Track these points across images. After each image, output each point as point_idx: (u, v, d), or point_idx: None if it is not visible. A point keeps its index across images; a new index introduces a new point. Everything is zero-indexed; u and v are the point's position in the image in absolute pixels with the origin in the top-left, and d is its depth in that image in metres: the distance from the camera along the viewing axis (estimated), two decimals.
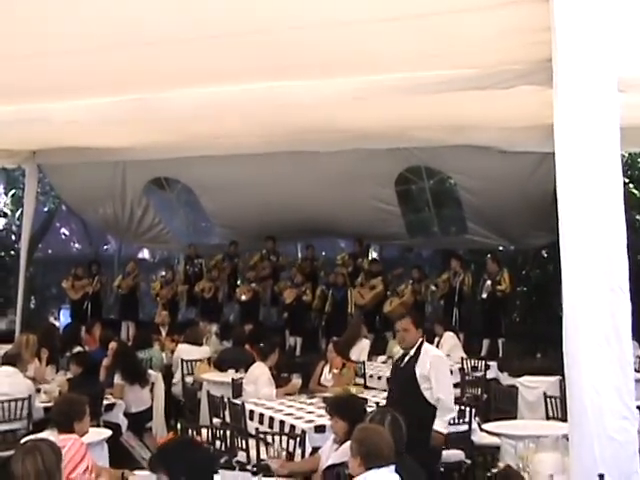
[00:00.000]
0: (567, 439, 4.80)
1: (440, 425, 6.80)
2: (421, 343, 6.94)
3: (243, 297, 16.66)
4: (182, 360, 11.61)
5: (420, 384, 6.74)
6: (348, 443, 5.37)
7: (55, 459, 4.28)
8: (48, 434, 5.70)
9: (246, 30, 6.21)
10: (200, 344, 12.28)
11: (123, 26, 6.18)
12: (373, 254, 19.11)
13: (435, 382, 6.79)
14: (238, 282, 18.07)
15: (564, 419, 5.89)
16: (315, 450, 7.06)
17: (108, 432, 7.45)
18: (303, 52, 6.84)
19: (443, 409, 6.81)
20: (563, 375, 4.65)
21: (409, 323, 6.85)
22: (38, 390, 9.21)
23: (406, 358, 6.86)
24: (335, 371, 9.65)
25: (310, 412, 8.09)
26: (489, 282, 14.25)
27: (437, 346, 12.86)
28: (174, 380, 11.71)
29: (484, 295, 14.30)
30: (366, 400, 8.08)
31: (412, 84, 7.50)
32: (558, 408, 8.49)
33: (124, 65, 7.24)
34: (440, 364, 6.99)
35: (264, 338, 10.96)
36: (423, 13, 5.84)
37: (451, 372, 11.15)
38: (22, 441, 5.09)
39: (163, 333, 13.87)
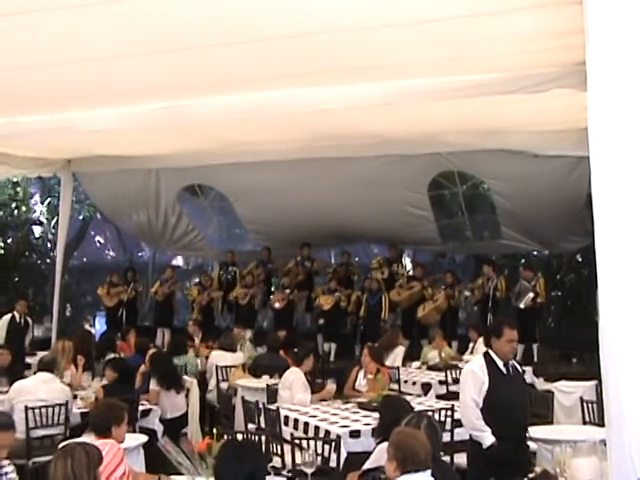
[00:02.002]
0: (604, 444, 4.76)
1: None
2: None
3: (277, 305, 16.69)
4: (217, 366, 11.65)
5: None
6: (381, 447, 5.37)
7: (87, 464, 4.28)
8: (85, 439, 5.73)
9: (277, 36, 6.24)
10: (234, 350, 12.31)
11: (156, 34, 6.23)
12: (406, 259, 19.08)
13: None
14: (272, 288, 18.13)
15: (601, 424, 5.85)
16: (350, 455, 7.06)
17: (144, 437, 7.50)
18: (333, 58, 6.86)
19: None
20: (599, 380, 4.61)
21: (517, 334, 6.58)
22: (75, 396, 9.28)
23: (509, 367, 6.54)
24: (370, 376, 9.63)
25: (345, 417, 8.08)
26: (531, 294, 14.06)
27: (472, 351, 12.85)
28: (209, 386, 11.76)
29: (522, 306, 14.10)
30: None
31: (443, 88, 7.48)
32: (595, 413, 8.42)
33: (157, 72, 7.31)
34: None
35: (298, 344, 10.98)
36: (454, 16, 5.84)
37: None
38: (60, 445, 5.14)
39: (196, 340, 13.92)
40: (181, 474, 5.07)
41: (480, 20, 5.88)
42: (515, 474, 5.81)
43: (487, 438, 6.29)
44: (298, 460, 6.82)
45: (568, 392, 9.77)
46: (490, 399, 6.32)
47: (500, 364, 6.44)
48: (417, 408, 7.83)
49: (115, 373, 9.22)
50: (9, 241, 21.08)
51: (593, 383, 9.27)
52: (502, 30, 6.11)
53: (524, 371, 6.86)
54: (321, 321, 16.49)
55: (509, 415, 6.36)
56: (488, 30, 6.12)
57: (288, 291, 16.74)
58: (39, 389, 8.78)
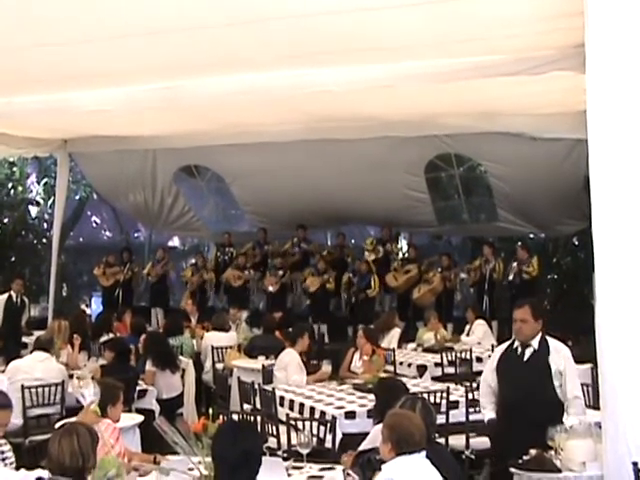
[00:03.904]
0: (599, 427, 4.78)
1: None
2: (543, 335, 6.39)
3: (270, 288, 16.65)
4: (212, 347, 11.67)
5: (554, 381, 6.31)
6: (377, 428, 5.38)
7: (91, 442, 4.32)
8: None
9: (277, 17, 6.22)
10: (227, 330, 12.32)
11: (152, 14, 6.20)
12: (403, 242, 19.07)
13: (570, 380, 6.37)
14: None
15: (596, 407, 5.86)
16: (345, 436, 7.08)
17: (140, 417, 7.51)
18: (335, 39, 6.83)
19: (579, 407, 6.36)
20: (595, 363, 4.63)
21: (527, 313, 6.26)
22: (71, 376, 9.28)
23: (528, 351, 6.33)
24: (365, 358, 9.64)
25: (340, 398, 8.10)
26: (515, 264, 14.15)
27: (467, 333, 12.87)
28: (205, 367, 11.78)
29: (510, 277, 14.17)
30: None
31: (443, 71, 7.46)
32: (590, 396, 8.45)
33: (156, 53, 7.27)
34: (572, 361, 6.51)
35: (293, 325, 11.00)
36: None
37: (481, 359, 11.20)
38: (58, 425, 5.14)
39: (193, 320, 13.92)
40: (177, 454, 5.07)
41: (480, 2, 5.86)
42: (509, 455, 5.80)
43: (485, 414, 6.54)
44: (294, 441, 6.82)
45: None
46: (498, 378, 6.42)
47: (516, 345, 6.39)
48: (412, 390, 7.85)
49: (113, 353, 9.21)
50: (5, 221, 21.03)
51: (588, 366, 9.27)
52: (501, 12, 6.09)
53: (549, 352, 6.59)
54: (307, 302, 16.54)
55: (511, 396, 6.29)
56: (487, 12, 6.10)
57: (281, 273, 16.72)
58: (35, 368, 8.79)
